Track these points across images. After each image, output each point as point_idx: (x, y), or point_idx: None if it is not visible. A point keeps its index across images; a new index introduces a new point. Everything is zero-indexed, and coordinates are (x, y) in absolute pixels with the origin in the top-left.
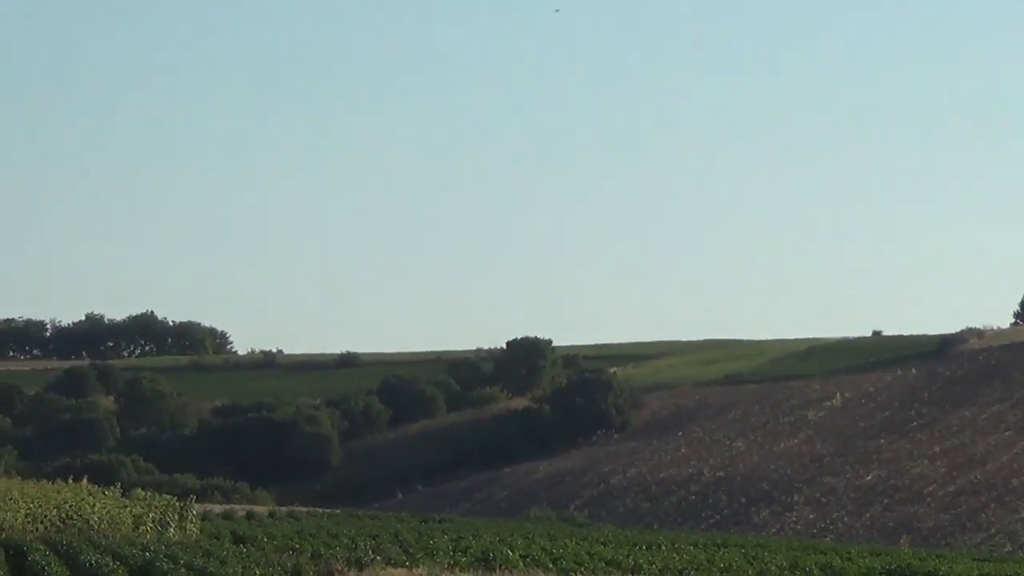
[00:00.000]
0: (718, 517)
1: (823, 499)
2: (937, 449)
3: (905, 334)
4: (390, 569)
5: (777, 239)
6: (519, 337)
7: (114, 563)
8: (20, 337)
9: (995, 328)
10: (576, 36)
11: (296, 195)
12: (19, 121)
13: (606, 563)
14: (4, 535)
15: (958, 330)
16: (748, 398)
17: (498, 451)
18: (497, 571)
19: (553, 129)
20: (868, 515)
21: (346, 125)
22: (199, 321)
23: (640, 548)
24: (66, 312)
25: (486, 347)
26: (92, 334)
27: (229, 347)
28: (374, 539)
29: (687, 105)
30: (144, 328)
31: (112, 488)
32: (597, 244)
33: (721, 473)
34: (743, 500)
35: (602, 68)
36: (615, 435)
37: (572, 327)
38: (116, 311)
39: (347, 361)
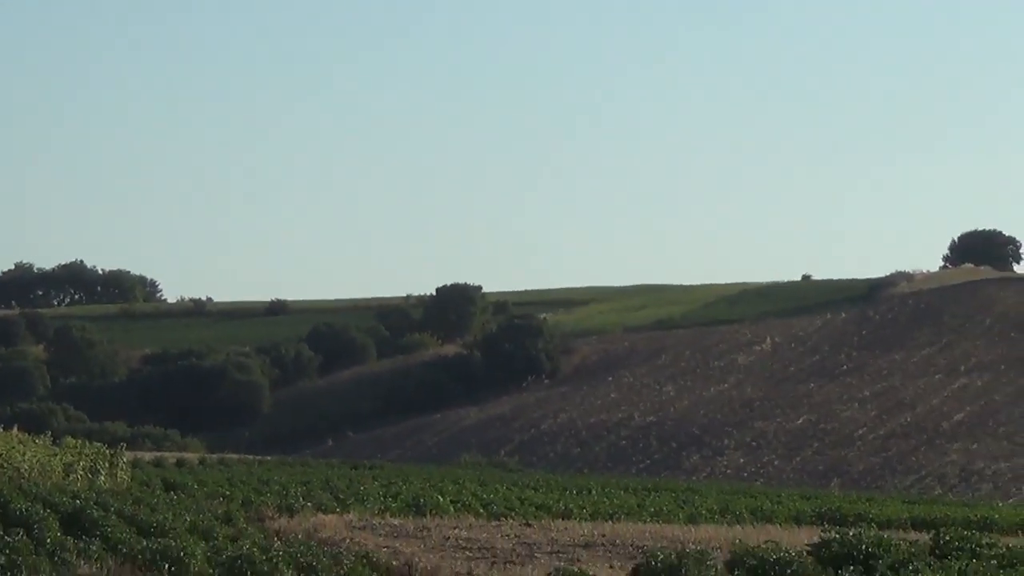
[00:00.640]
0: (649, 462)
1: (753, 443)
2: (867, 393)
3: (835, 278)
4: (321, 515)
5: (706, 183)
6: (448, 283)
7: (45, 511)
8: None
9: (924, 272)
10: None
11: (224, 143)
12: None
13: (537, 508)
14: None
15: (888, 274)
16: (678, 343)
17: (429, 397)
18: (428, 516)
19: (478, 71)
20: (798, 459)
21: (273, 72)
22: (128, 269)
23: (571, 493)
24: None
25: (416, 293)
26: (21, 283)
27: (159, 295)
28: (305, 486)
29: (616, 43)
30: (74, 277)
31: (43, 436)
32: (526, 190)
33: (652, 418)
34: (674, 445)
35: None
36: (545, 381)
37: (502, 273)
38: (45, 260)
39: (277, 308)
